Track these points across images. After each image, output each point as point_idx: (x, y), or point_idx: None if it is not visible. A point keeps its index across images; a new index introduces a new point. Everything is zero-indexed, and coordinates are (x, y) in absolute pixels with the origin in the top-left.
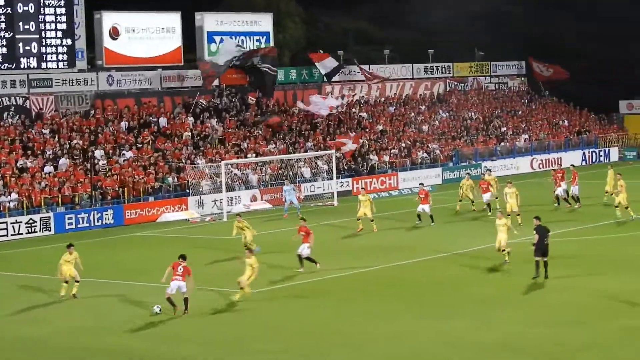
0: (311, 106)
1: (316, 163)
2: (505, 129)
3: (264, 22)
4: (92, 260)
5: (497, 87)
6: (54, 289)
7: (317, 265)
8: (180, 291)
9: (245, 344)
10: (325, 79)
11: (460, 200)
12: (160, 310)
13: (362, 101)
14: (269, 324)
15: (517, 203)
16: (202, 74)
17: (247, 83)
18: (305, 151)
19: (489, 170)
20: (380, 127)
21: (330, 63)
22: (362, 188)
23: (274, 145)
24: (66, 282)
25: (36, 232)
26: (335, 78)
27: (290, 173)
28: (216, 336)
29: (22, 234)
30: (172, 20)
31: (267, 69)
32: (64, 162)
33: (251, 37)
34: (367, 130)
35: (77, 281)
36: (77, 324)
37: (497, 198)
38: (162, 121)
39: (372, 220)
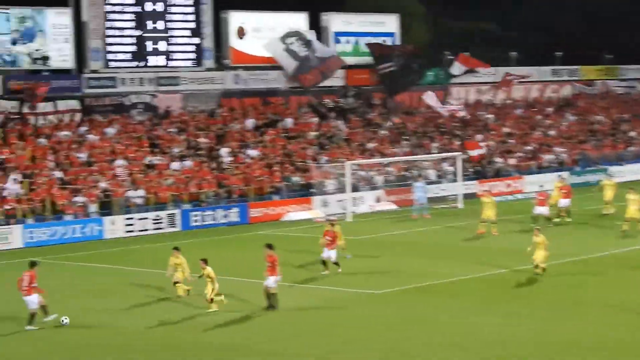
0: (434, 102)
1: (440, 165)
2: (634, 133)
3: (390, 22)
4: (216, 257)
5: (626, 90)
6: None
7: (327, 272)
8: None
9: (360, 345)
10: (449, 81)
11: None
12: (66, 321)
13: (489, 103)
14: (390, 322)
15: (639, 210)
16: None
17: (373, 83)
18: (430, 153)
19: (562, 177)
20: (507, 130)
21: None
22: (485, 190)
23: (399, 147)
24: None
25: (162, 228)
26: (460, 80)
27: (416, 172)
28: (326, 337)
29: (148, 230)
30: (299, 20)
31: (387, 68)
32: (188, 161)
33: (377, 38)
34: (493, 132)
35: (176, 282)
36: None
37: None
38: (288, 120)
39: (495, 223)
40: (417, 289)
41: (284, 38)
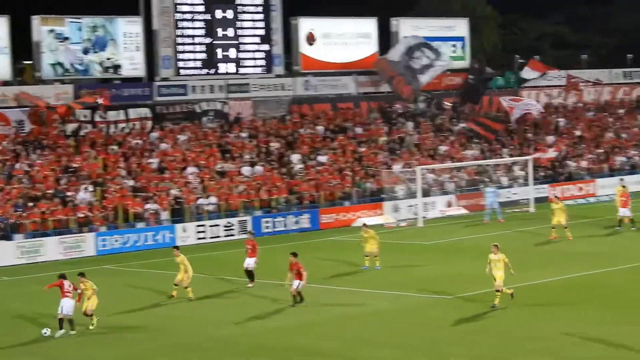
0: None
1: (512, 169)
2: None
3: (460, 27)
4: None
5: None
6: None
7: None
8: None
9: (437, 347)
10: (520, 85)
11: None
12: (48, 333)
13: (560, 106)
14: (463, 328)
15: None
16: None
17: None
18: (502, 157)
19: (623, 184)
20: (578, 133)
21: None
22: (555, 196)
23: (470, 151)
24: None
25: (234, 235)
26: (531, 83)
27: (487, 178)
28: (411, 340)
29: (220, 236)
30: (368, 25)
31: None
32: (259, 167)
33: (446, 43)
34: (565, 136)
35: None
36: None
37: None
38: (358, 126)
39: (566, 228)
40: (486, 294)
41: (414, 48)
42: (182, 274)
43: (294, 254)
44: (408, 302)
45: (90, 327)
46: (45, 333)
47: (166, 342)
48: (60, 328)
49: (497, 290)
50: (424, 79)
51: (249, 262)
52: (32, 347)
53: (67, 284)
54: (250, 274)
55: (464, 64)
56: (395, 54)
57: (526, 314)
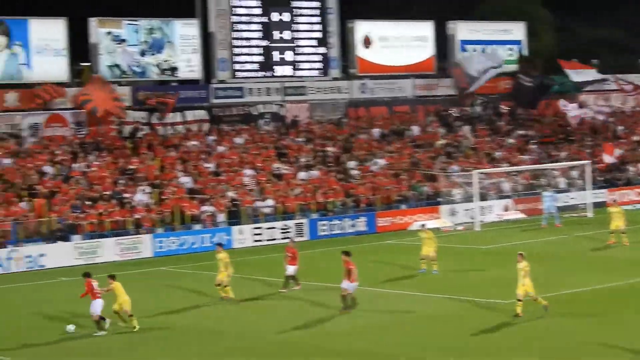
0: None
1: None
2: None
3: (517, 30)
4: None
5: None
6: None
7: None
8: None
9: (494, 352)
10: (577, 89)
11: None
12: (73, 329)
13: (618, 112)
14: (521, 333)
15: None
16: (457, 82)
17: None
18: (559, 161)
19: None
20: (637, 138)
21: (586, 74)
22: (613, 200)
23: (527, 155)
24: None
25: (290, 237)
26: (588, 87)
27: (544, 182)
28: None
29: (276, 239)
30: (425, 29)
31: (525, 80)
32: (316, 170)
33: (503, 46)
34: (623, 141)
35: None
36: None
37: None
38: (415, 129)
39: (624, 233)
40: (548, 299)
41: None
42: (222, 272)
43: (346, 253)
44: (464, 307)
45: (135, 329)
46: (70, 330)
47: (225, 345)
48: (102, 329)
49: (519, 299)
50: (478, 82)
51: (290, 270)
52: (88, 347)
53: (95, 284)
54: (293, 278)
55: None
56: (473, 69)
57: (586, 320)
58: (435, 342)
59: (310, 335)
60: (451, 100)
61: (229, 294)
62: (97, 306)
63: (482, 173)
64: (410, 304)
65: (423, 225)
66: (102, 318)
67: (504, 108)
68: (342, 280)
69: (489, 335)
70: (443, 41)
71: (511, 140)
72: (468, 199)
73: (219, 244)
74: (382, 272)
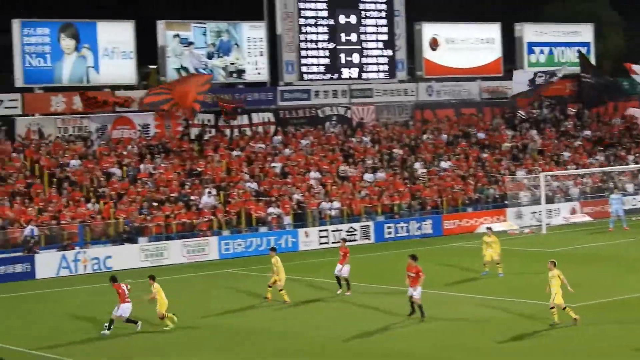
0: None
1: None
2: None
3: (585, 32)
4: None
5: None
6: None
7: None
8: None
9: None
10: None
11: None
12: (108, 330)
13: None
14: (585, 337)
15: None
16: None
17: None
18: (627, 164)
19: None
20: None
21: None
22: None
23: (594, 157)
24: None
25: (356, 240)
26: None
27: (612, 185)
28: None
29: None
30: (492, 31)
31: (588, 80)
32: (382, 172)
33: (571, 48)
34: None
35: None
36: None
37: None
38: (481, 132)
39: None
40: (609, 303)
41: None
42: (275, 276)
43: (413, 257)
44: (529, 310)
45: (166, 328)
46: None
47: (281, 345)
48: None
49: (551, 307)
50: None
51: (341, 269)
52: (146, 348)
53: (124, 288)
54: (343, 281)
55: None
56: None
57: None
58: (497, 345)
59: (370, 337)
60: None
61: (284, 297)
62: (126, 310)
63: (549, 175)
64: (473, 307)
65: (489, 229)
66: (130, 321)
67: (571, 110)
68: (408, 287)
69: (544, 337)
70: (510, 43)
71: (578, 143)
72: (535, 201)
73: (272, 248)
74: (447, 275)
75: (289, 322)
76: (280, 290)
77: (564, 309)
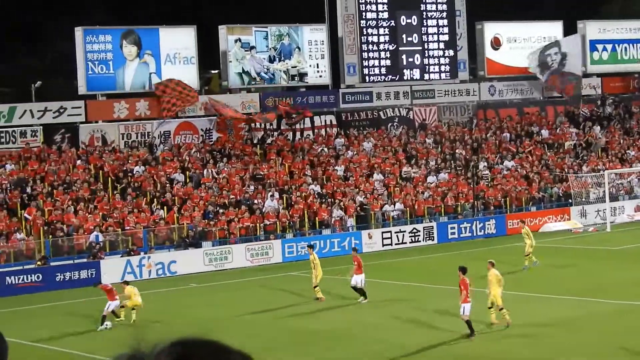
0: None
1: None
2: None
3: None
4: (473, 269)
5: None
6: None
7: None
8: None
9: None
10: None
11: None
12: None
13: None
14: None
15: None
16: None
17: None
18: None
19: None
20: None
21: None
22: None
23: None
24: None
25: (419, 241)
26: None
27: None
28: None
29: (405, 243)
30: (554, 29)
31: None
32: (444, 173)
33: (635, 45)
34: None
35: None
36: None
37: None
38: (545, 131)
39: None
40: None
41: (546, 48)
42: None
43: (463, 269)
44: (596, 309)
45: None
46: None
47: (356, 350)
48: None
49: (489, 307)
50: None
51: (357, 280)
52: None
53: (110, 286)
54: (360, 291)
55: None
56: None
57: None
58: (569, 346)
59: (439, 340)
60: (581, 100)
61: (317, 294)
62: (112, 306)
63: (613, 173)
64: (541, 307)
65: (521, 222)
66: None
67: (635, 108)
68: (460, 304)
69: (622, 338)
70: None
71: None
72: (599, 199)
73: (310, 246)
74: (512, 275)
75: (359, 324)
76: (315, 287)
77: (501, 310)
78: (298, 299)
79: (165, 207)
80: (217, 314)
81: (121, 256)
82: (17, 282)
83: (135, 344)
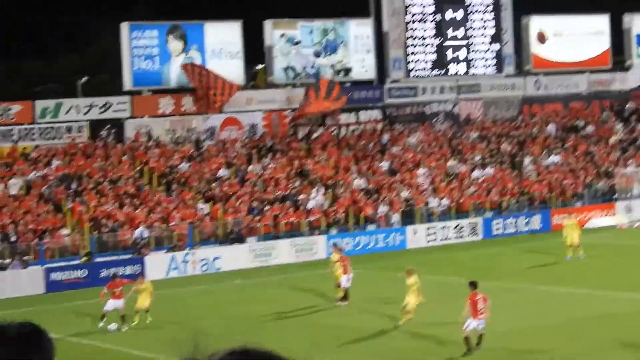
0: None
1: None
2: None
3: None
4: (517, 265)
5: None
6: None
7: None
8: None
9: None
10: None
11: None
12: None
13: None
14: None
15: None
16: None
17: None
18: None
19: None
20: None
21: None
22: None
23: None
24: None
25: (464, 237)
26: None
27: None
28: None
29: (450, 238)
30: (601, 22)
31: None
32: (490, 168)
33: None
34: None
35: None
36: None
37: None
38: (590, 125)
39: None
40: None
41: None
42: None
43: (473, 284)
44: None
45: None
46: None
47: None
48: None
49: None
50: None
51: (347, 279)
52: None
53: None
54: (345, 292)
55: None
56: None
57: None
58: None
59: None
60: (627, 94)
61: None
62: (111, 305)
63: None
64: (587, 302)
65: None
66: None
67: None
68: (466, 318)
69: None
70: (619, 35)
71: None
72: None
73: (335, 245)
74: (555, 270)
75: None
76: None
77: (410, 319)
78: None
79: (210, 203)
80: (261, 310)
81: (166, 252)
82: (62, 278)
83: (190, 351)
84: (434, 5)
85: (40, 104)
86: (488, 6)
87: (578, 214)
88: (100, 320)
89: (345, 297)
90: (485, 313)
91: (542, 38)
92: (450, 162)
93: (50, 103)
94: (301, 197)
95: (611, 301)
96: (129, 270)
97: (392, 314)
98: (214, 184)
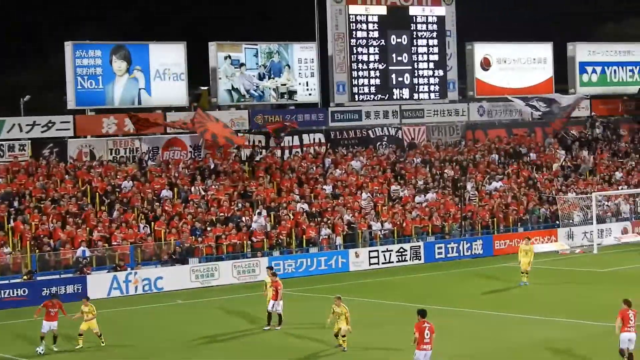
0: None
1: None
2: None
3: (638, 51)
4: (459, 289)
5: None
6: None
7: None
8: None
9: None
10: None
11: None
12: (42, 351)
13: None
14: None
15: None
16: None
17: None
18: None
19: None
20: None
21: None
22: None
23: None
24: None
25: (406, 260)
26: None
27: None
28: None
29: (392, 262)
30: (544, 50)
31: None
32: (433, 193)
33: (624, 68)
34: None
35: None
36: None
37: None
38: (533, 152)
39: None
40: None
41: (525, 99)
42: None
43: (421, 313)
44: (584, 331)
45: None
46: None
47: None
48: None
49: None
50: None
51: (273, 305)
52: None
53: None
54: (274, 316)
55: None
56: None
57: None
58: None
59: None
60: (570, 122)
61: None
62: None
63: (600, 195)
64: (528, 328)
65: (527, 238)
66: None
67: (623, 130)
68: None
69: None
70: (562, 63)
71: (631, 163)
72: (586, 221)
73: (269, 267)
74: (497, 295)
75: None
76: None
77: (337, 336)
78: (293, 317)
79: (153, 223)
80: (203, 331)
81: (108, 272)
82: (2, 296)
83: None
84: (378, 31)
85: None
86: (433, 32)
87: (519, 239)
88: (41, 342)
89: (268, 322)
90: (431, 344)
91: (486, 64)
92: (394, 187)
93: None
94: (244, 219)
95: (549, 326)
96: (70, 289)
97: (326, 339)
98: (156, 204)
